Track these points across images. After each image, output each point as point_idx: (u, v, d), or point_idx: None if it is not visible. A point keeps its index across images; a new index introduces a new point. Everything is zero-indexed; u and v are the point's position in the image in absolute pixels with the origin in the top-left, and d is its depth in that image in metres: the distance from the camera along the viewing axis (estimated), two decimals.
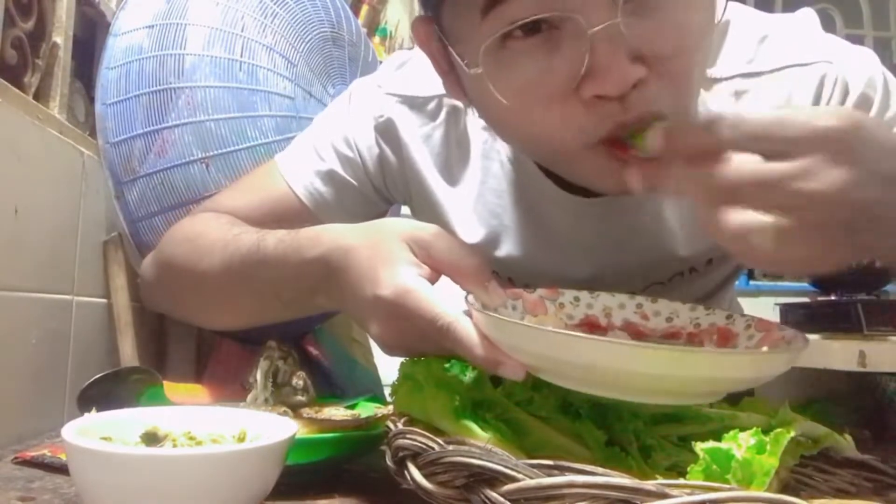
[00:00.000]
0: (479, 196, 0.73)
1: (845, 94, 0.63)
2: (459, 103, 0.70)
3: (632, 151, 0.49)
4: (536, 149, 0.61)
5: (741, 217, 0.41)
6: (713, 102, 0.65)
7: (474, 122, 0.72)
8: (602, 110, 0.50)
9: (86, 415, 0.49)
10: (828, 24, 3.08)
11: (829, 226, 0.41)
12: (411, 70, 0.75)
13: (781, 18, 0.69)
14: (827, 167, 0.39)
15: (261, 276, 0.63)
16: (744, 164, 0.41)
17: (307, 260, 0.58)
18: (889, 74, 0.65)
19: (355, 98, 0.78)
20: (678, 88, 0.51)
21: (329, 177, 0.77)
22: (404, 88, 0.74)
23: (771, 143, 0.41)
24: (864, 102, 0.63)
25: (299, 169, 0.77)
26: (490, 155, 0.72)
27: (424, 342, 0.51)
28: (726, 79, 0.65)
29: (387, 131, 0.74)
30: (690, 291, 0.79)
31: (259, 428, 0.50)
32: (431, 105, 0.72)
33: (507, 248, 0.73)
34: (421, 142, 0.73)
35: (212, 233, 0.70)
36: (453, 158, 0.73)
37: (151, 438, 0.49)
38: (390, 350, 0.55)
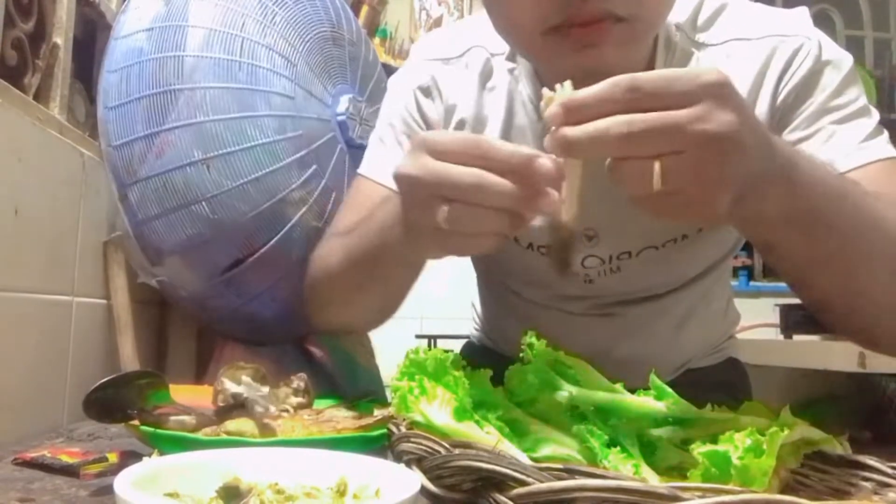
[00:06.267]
0: (503, 133, 0.80)
1: (814, 63, 0.72)
2: (485, 53, 0.81)
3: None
4: (508, 31, 0.70)
5: (641, 162, 0.46)
6: (707, 62, 0.74)
7: (499, 68, 0.80)
8: (563, 1, 0.59)
9: (145, 459, 0.42)
10: (828, 25, 3.08)
11: (719, 163, 0.47)
12: (443, 38, 0.88)
13: (777, 10, 0.78)
14: (718, 111, 0.45)
15: (367, 251, 0.72)
16: (649, 114, 0.46)
17: (383, 211, 0.69)
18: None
19: (396, 81, 0.89)
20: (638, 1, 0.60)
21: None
22: (439, 52, 0.84)
23: (666, 98, 0.46)
24: (827, 73, 0.72)
25: (378, 165, 0.86)
26: (513, 95, 0.79)
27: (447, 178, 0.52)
28: (720, 44, 0.74)
29: (428, 92, 0.84)
30: (680, 265, 0.84)
31: (363, 476, 0.42)
32: (463, 60, 0.83)
33: None
34: (457, 89, 0.82)
35: (329, 249, 0.83)
36: (483, 99, 0.82)
37: (232, 494, 0.39)
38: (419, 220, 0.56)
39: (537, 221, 0.79)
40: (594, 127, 0.46)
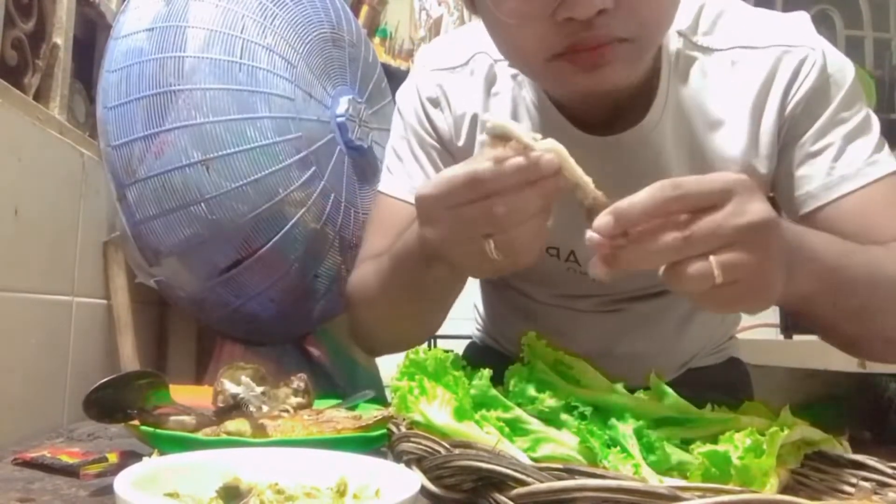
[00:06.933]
0: None
1: (820, 74, 0.73)
2: (488, 59, 0.82)
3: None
4: (513, 58, 0.72)
5: (699, 263, 0.49)
6: (712, 69, 0.74)
7: (502, 74, 0.81)
8: (569, 29, 0.60)
9: (145, 459, 0.42)
10: (828, 25, 3.07)
11: (766, 246, 0.50)
12: (446, 48, 0.88)
13: (777, 13, 0.79)
14: (750, 203, 0.49)
15: (400, 276, 0.72)
16: (701, 221, 0.48)
17: (410, 238, 0.67)
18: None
19: (404, 94, 0.88)
20: (640, 20, 0.61)
21: (420, 167, 0.85)
22: (444, 62, 0.85)
23: (707, 196, 0.49)
24: (833, 86, 0.73)
25: (397, 182, 0.86)
26: (517, 101, 0.80)
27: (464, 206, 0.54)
28: (725, 49, 0.75)
29: (436, 102, 0.84)
30: None
31: (363, 476, 0.42)
32: (468, 68, 0.83)
33: None
34: (464, 97, 0.83)
35: (364, 276, 0.82)
36: (489, 104, 0.83)
37: (232, 494, 0.39)
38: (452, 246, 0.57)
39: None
40: (653, 246, 0.49)
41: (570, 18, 0.59)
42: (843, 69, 0.74)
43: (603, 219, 0.49)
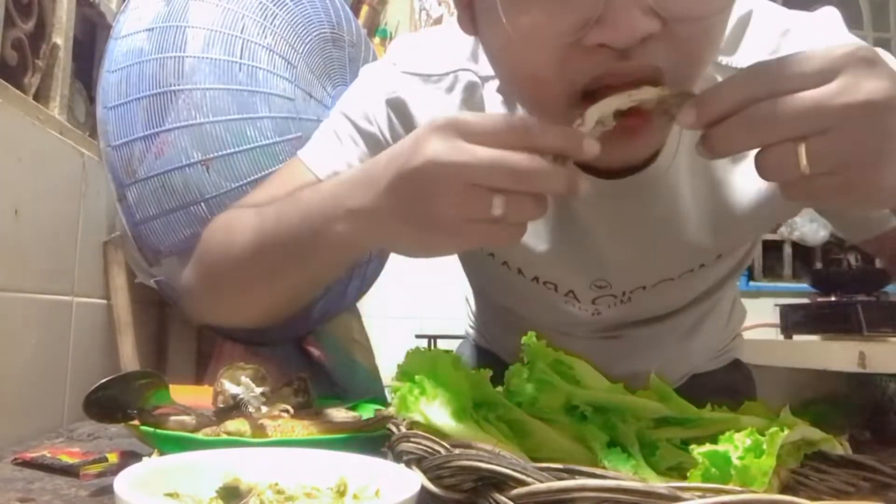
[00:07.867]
0: None
1: None
2: (474, 78, 0.70)
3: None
4: (525, 93, 0.59)
5: (783, 147, 0.42)
6: None
7: (491, 97, 0.70)
8: (599, 58, 0.49)
9: (145, 459, 0.43)
10: None
11: (876, 134, 0.42)
12: (426, 50, 0.74)
13: (805, 15, 0.69)
14: (864, 80, 0.42)
15: (281, 235, 0.62)
16: (783, 98, 0.42)
17: (314, 201, 0.58)
18: None
19: (369, 77, 0.77)
20: (685, 54, 0.51)
21: (353, 157, 0.74)
22: (420, 67, 0.72)
23: (801, 78, 0.42)
24: None
25: (322, 156, 0.75)
26: None
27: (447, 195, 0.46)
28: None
29: (398, 108, 0.73)
30: (695, 286, 0.80)
31: (363, 476, 0.42)
32: (447, 81, 0.71)
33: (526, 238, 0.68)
34: (431, 112, 0.71)
35: (235, 221, 0.70)
36: None
37: (232, 494, 0.39)
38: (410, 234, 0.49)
39: (543, 256, 0.73)
40: (725, 127, 0.43)
41: (602, 45, 0.48)
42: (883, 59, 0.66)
43: (686, 111, 0.44)
